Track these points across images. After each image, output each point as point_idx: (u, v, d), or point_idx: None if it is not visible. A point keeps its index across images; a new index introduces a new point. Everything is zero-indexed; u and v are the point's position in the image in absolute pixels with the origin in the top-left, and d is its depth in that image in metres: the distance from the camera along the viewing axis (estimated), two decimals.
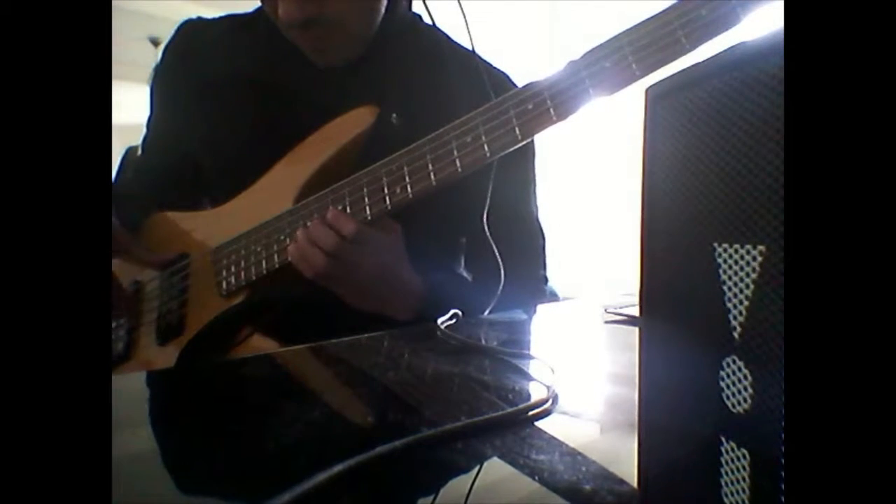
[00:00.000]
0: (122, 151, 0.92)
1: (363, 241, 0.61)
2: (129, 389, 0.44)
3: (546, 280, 0.84)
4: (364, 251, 0.62)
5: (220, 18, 0.81)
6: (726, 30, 0.49)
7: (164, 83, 0.81)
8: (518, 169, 0.77)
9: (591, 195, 3.63)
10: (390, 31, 0.74)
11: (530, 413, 0.31)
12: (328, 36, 0.69)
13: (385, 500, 0.24)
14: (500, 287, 0.66)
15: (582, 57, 0.55)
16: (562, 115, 0.55)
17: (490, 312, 0.68)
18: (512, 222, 0.76)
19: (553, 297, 0.85)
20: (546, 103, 0.55)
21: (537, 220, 0.83)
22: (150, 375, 0.55)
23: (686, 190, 0.18)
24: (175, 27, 0.81)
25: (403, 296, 0.66)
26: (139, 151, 0.86)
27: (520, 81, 0.72)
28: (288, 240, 0.64)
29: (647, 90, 0.20)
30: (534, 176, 0.83)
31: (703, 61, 0.18)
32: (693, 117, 0.18)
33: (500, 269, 0.66)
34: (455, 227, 0.77)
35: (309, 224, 0.62)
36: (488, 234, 0.66)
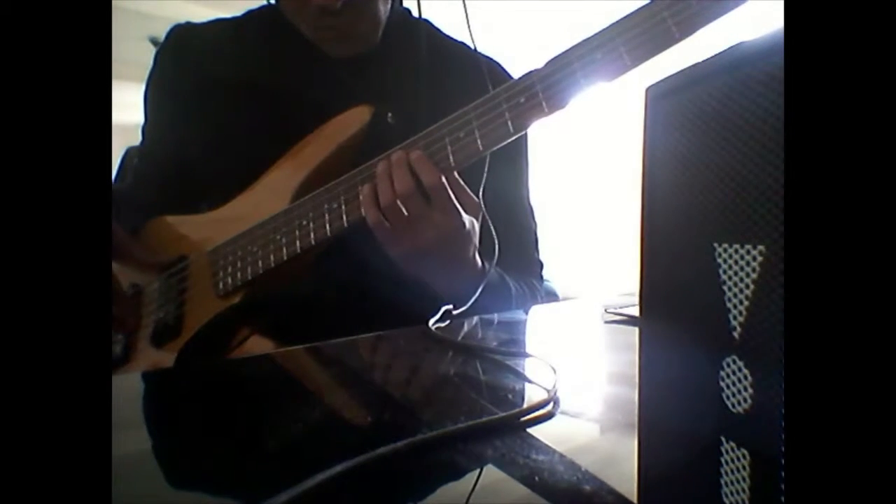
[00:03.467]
0: (122, 151, 0.92)
1: (441, 199, 0.58)
2: (129, 390, 0.44)
3: (541, 265, 0.84)
4: (438, 210, 0.59)
5: (210, 22, 0.81)
6: (716, 18, 0.49)
7: (158, 88, 0.81)
8: (511, 154, 0.77)
9: (591, 195, 3.63)
10: (388, 27, 0.74)
11: (531, 415, 0.31)
12: (357, 22, 0.69)
13: (384, 502, 0.24)
14: (495, 259, 0.66)
15: (573, 48, 0.55)
16: (554, 106, 0.55)
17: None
18: (505, 206, 0.76)
19: (553, 296, 0.85)
20: (538, 96, 0.55)
21: (529, 204, 0.84)
22: (150, 376, 0.55)
23: (686, 190, 0.18)
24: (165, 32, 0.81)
25: (460, 276, 0.63)
26: (137, 156, 0.86)
27: (513, 70, 0.72)
28: (284, 239, 0.64)
29: (647, 90, 0.20)
30: (527, 161, 0.84)
31: (703, 61, 0.18)
32: (693, 117, 0.18)
33: (493, 242, 0.66)
34: None
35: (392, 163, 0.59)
36: (483, 210, 0.65)
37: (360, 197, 0.60)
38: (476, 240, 0.64)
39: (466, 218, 0.61)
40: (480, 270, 0.65)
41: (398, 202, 0.58)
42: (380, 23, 0.73)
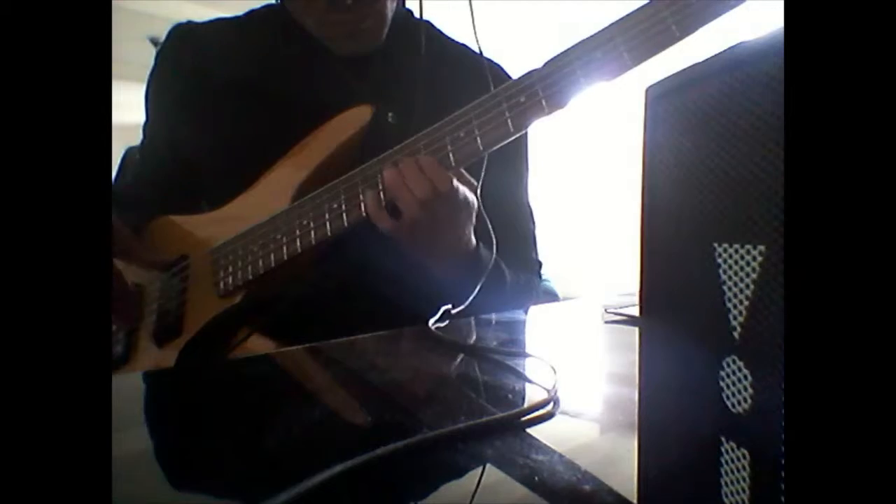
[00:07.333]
0: (122, 151, 0.92)
1: (452, 195, 0.60)
2: (129, 390, 0.44)
3: (540, 265, 0.84)
4: (447, 206, 0.60)
5: (211, 21, 0.81)
6: (716, 17, 0.49)
7: (159, 88, 0.81)
8: (510, 154, 0.77)
9: (591, 195, 3.62)
10: (391, 27, 0.74)
11: (531, 415, 0.31)
12: (366, 18, 0.70)
13: (384, 502, 0.24)
14: (493, 256, 0.66)
15: (573, 47, 0.55)
16: (554, 106, 0.55)
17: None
18: (504, 206, 0.76)
19: (553, 296, 0.85)
20: (538, 95, 0.55)
21: (528, 204, 0.84)
22: (150, 376, 0.55)
23: (686, 190, 0.18)
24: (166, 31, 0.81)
25: (457, 252, 0.65)
26: (137, 155, 0.85)
27: (513, 72, 0.72)
28: (284, 238, 0.64)
29: (647, 90, 0.20)
30: (526, 161, 0.84)
31: (703, 61, 0.18)
32: (693, 117, 0.18)
33: (492, 241, 0.66)
34: None
35: (400, 166, 0.59)
36: (482, 209, 0.66)
37: (365, 206, 0.61)
38: (473, 215, 0.65)
39: (471, 197, 0.63)
40: (474, 247, 0.67)
41: (419, 206, 0.58)
42: (386, 20, 0.73)
